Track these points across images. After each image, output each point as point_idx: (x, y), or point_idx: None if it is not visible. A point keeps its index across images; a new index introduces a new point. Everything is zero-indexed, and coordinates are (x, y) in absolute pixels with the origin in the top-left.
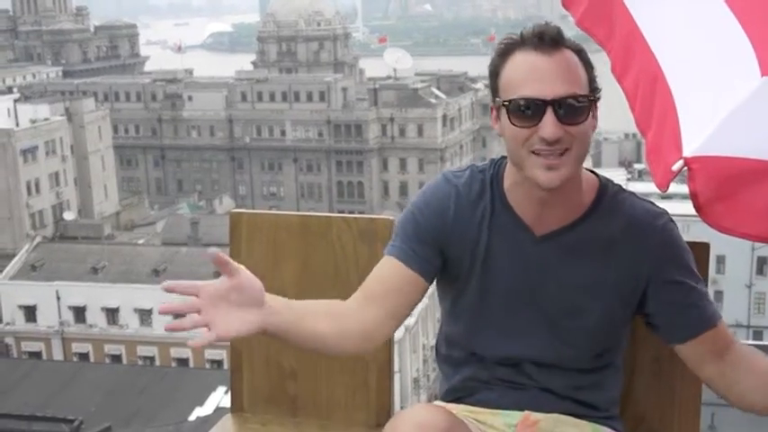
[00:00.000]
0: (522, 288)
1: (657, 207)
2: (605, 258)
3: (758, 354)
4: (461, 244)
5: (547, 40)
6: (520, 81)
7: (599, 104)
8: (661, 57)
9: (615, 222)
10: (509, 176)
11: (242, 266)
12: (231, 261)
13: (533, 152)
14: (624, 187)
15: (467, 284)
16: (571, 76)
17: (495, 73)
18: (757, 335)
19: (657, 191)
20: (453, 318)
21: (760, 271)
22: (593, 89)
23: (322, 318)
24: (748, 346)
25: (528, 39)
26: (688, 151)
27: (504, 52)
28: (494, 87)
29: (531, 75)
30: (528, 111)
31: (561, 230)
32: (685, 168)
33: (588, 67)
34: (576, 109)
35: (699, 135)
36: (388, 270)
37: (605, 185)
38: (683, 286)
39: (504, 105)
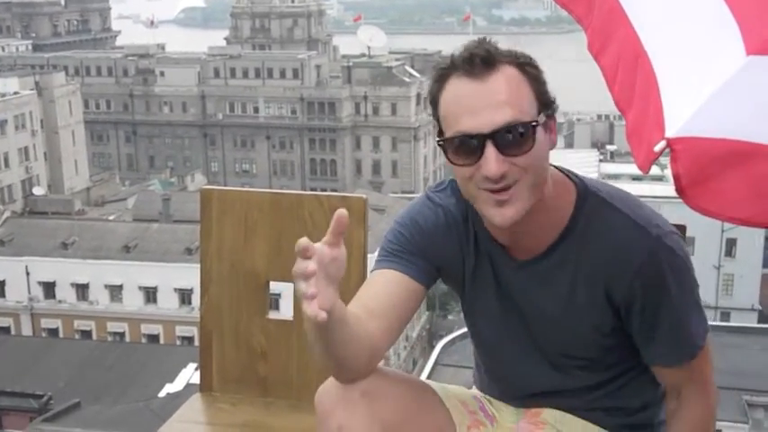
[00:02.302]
0: (509, 315)
1: (652, 222)
2: (581, 283)
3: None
4: (450, 265)
5: (477, 63)
6: (455, 114)
7: (556, 117)
8: (643, 34)
9: (594, 244)
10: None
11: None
12: (341, 232)
13: (480, 189)
14: (611, 196)
15: (463, 305)
16: (512, 101)
17: (434, 102)
18: (725, 316)
19: (630, 172)
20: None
21: (729, 252)
22: (545, 104)
23: (355, 320)
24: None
25: (458, 63)
26: (671, 132)
27: (440, 78)
28: (435, 117)
29: (466, 106)
30: (466, 147)
31: (539, 256)
32: (667, 149)
33: (534, 81)
34: (520, 138)
35: (682, 115)
36: (386, 282)
37: (584, 198)
38: (660, 314)
39: (440, 145)
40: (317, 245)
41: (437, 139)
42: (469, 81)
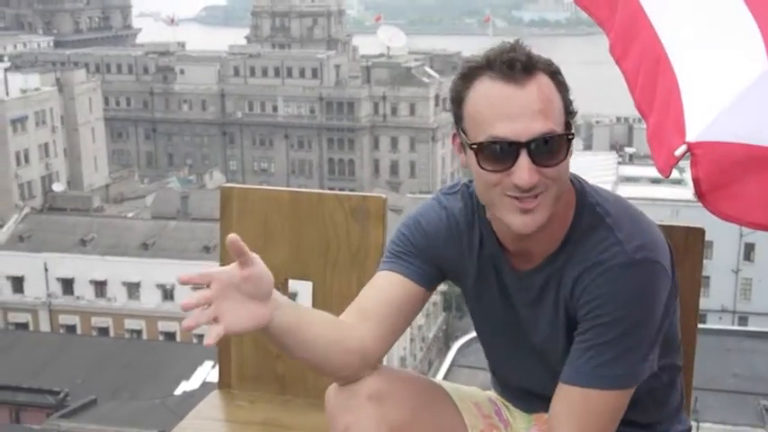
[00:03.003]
0: (511, 321)
1: (635, 245)
2: (561, 301)
3: None
4: (456, 268)
5: (518, 68)
6: (489, 118)
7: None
8: (665, 39)
9: (578, 264)
10: (482, 201)
11: (257, 256)
12: (248, 251)
13: (506, 195)
14: (607, 210)
15: (469, 307)
16: (547, 110)
17: (458, 99)
18: (742, 320)
19: (649, 175)
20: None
21: (747, 257)
22: (569, 113)
23: (327, 323)
24: None
25: (496, 65)
26: (692, 136)
27: (468, 76)
28: (457, 115)
29: (502, 111)
30: (499, 154)
31: (535, 269)
32: (688, 153)
33: (563, 89)
34: (554, 149)
35: (703, 120)
36: (386, 285)
37: (581, 212)
38: (592, 329)
39: (471, 148)
40: (221, 269)
41: (471, 142)
42: (506, 85)
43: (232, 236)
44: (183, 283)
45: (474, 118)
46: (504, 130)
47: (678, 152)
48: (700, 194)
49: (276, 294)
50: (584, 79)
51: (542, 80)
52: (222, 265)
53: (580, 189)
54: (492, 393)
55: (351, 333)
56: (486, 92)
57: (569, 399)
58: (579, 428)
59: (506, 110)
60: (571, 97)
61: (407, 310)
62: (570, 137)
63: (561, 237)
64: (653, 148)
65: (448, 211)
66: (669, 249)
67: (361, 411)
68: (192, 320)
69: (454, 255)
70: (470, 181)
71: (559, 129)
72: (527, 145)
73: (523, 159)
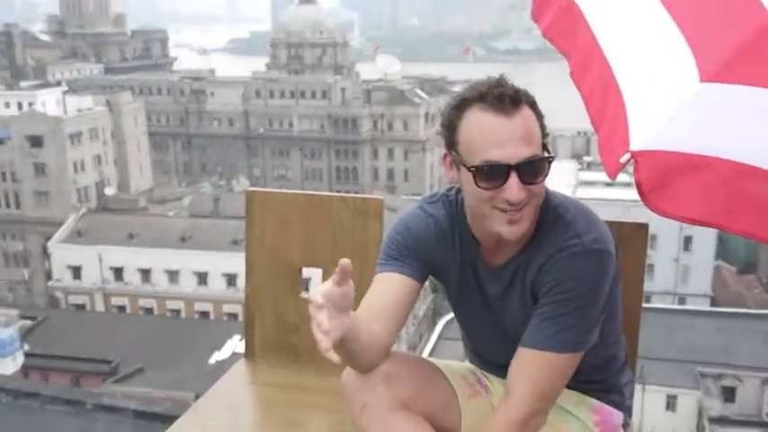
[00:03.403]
0: (484, 312)
1: (590, 238)
2: (528, 287)
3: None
4: (441, 267)
5: (507, 101)
6: (483, 144)
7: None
8: (614, 65)
9: (542, 255)
10: (468, 212)
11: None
12: (349, 271)
13: (496, 208)
14: (566, 210)
15: (450, 300)
16: (530, 137)
17: (451, 126)
18: (682, 301)
19: (603, 179)
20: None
21: (686, 247)
22: (545, 136)
23: (365, 328)
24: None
25: (487, 98)
26: (635, 146)
27: (461, 107)
28: (450, 140)
29: (494, 138)
30: (493, 175)
31: (503, 265)
32: (632, 160)
33: (540, 117)
34: (538, 169)
35: (644, 133)
36: (387, 285)
37: (545, 213)
38: (549, 304)
39: (469, 170)
40: (327, 287)
41: (469, 165)
42: (496, 116)
43: (345, 260)
44: (320, 305)
45: (468, 144)
46: (496, 154)
47: (623, 159)
48: (642, 195)
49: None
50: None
51: (526, 111)
52: (247, 255)
53: (545, 194)
54: (470, 365)
55: (370, 332)
56: (479, 121)
57: (526, 359)
58: (532, 384)
59: (498, 137)
60: (544, 122)
61: (407, 304)
62: (550, 159)
63: (530, 234)
64: (603, 156)
65: (434, 218)
66: (615, 242)
67: (375, 392)
68: (324, 342)
69: (441, 254)
70: (449, 190)
71: (540, 152)
72: (516, 167)
73: (513, 179)
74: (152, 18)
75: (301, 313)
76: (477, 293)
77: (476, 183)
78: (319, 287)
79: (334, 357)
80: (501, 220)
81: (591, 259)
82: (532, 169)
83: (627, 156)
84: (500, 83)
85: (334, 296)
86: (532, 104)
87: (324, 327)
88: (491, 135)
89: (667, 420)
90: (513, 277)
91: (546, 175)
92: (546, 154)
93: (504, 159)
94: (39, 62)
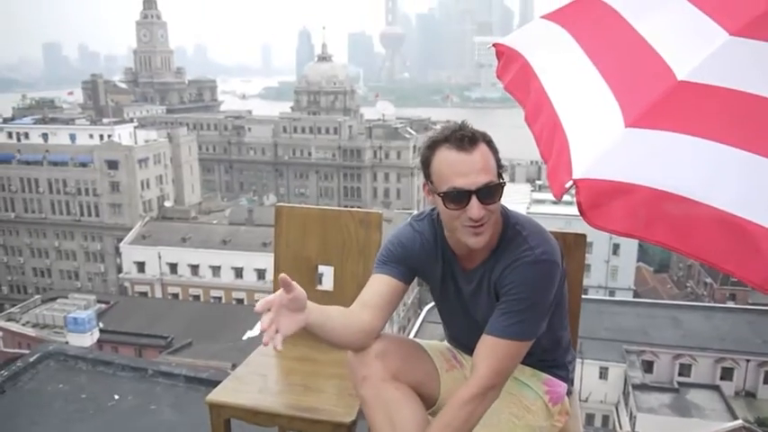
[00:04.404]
0: (460, 306)
1: (541, 250)
2: (492, 286)
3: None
4: (426, 271)
5: (465, 141)
6: (449, 175)
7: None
8: (559, 111)
9: (502, 261)
10: (445, 227)
11: (296, 284)
12: (291, 282)
13: (462, 224)
14: (523, 227)
15: (434, 295)
16: (486, 167)
17: (426, 162)
18: (611, 293)
19: (551, 198)
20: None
21: (615, 252)
22: (500, 167)
23: (340, 316)
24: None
25: (451, 139)
26: (576, 175)
27: (432, 147)
28: (426, 172)
29: (457, 170)
30: (458, 198)
31: (475, 269)
32: (573, 186)
33: (495, 151)
34: (493, 192)
35: (583, 164)
36: (379, 283)
37: (506, 229)
38: (506, 300)
39: (439, 195)
40: (275, 296)
41: (439, 191)
42: (458, 152)
43: (283, 275)
44: (260, 311)
45: (438, 175)
46: (459, 182)
47: (567, 185)
48: (581, 212)
49: (309, 304)
50: (511, 136)
51: (482, 148)
52: (275, 255)
53: (504, 214)
54: (448, 345)
55: (357, 318)
56: (446, 157)
57: (488, 344)
58: (491, 364)
59: (460, 169)
60: (499, 156)
61: (394, 299)
62: (503, 184)
63: (493, 245)
64: (550, 182)
65: (419, 233)
66: (561, 253)
67: (371, 365)
68: (266, 338)
69: (425, 261)
70: (433, 210)
71: (495, 179)
72: (476, 191)
73: (474, 201)
74: (204, 70)
75: (317, 300)
76: (455, 291)
77: (445, 205)
78: (265, 297)
79: (279, 346)
80: (468, 234)
81: (540, 267)
82: (489, 193)
83: (570, 182)
84: (461, 127)
85: (285, 301)
86: (489, 142)
87: (264, 326)
88: (455, 167)
89: (600, 387)
90: (482, 279)
91: (500, 197)
92: (500, 180)
93: (465, 186)
94: (117, 104)
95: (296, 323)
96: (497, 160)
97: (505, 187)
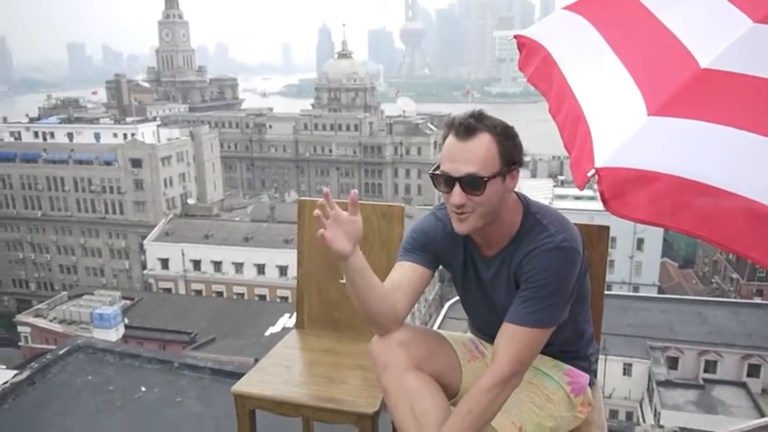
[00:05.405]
0: (480, 294)
1: (561, 237)
2: (512, 273)
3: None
4: (447, 258)
5: (462, 130)
6: (443, 158)
7: (518, 169)
8: (582, 102)
9: (523, 250)
10: None
11: (359, 216)
12: (358, 205)
13: (449, 208)
14: (544, 216)
15: (455, 282)
16: (476, 159)
17: (443, 144)
18: (635, 289)
19: (574, 193)
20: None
21: (639, 247)
22: (508, 161)
23: (379, 283)
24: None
25: (454, 126)
26: (598, 164)
27: (445, 130)
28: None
29: (448, 155)
30: (441, 182)
31: (495, 255)
32: (596, 175)
33: (501, 145)
34: (477, 184)
35: (605, 153)
36: (405, 270)
37: (526, 217)
38: (526, 289)
39: (430, 175)
40: (337, 210)
41: (431, 168)
42: (455, 140)
43: (353, 191)
44: (320, 207)
45: (441, 157)
46: (447, 167)
47: (589, 174)
48: (603, 202)
49: (358, 248)
50: (533, 131)
51: (484, 138)
52: (299, 250)
53: (526, 203)
54: (471, 335)
55: (391, 296)
56: (448, 142)
57: (509, 332)
58: (512, 351)
59: (452, 155)
60: (514, 151)
61: (420, 286)
62: (486, 179)
63: (513, 233)
64: (573, 172)
65: (442, 222)
66: (582, 241)
67: (394, 353)
68: (320, 222)
69: (447, 248)
70: None
71: (484, 173)
72: (459, 179)
73: (457, 188)
74: (225, 69)
75: (340, 293)
76: (475, 278)
77: (434, 185)
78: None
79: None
80: (453, 217)
81: (560, 254)
82: (471, 183)
83: (592, 171)
84: (471, 115)
85: (343, 217)
86: (497, 134)
87: (322, 224)
88: (446, 152)
89: (624, 384)
90: (501, 266)
91: (484, 191)
92: (485, 174)
93: (450, 171)
94: (140, 103)
95: (342, 244)
96: (509, 154)
97: (509, 183)
